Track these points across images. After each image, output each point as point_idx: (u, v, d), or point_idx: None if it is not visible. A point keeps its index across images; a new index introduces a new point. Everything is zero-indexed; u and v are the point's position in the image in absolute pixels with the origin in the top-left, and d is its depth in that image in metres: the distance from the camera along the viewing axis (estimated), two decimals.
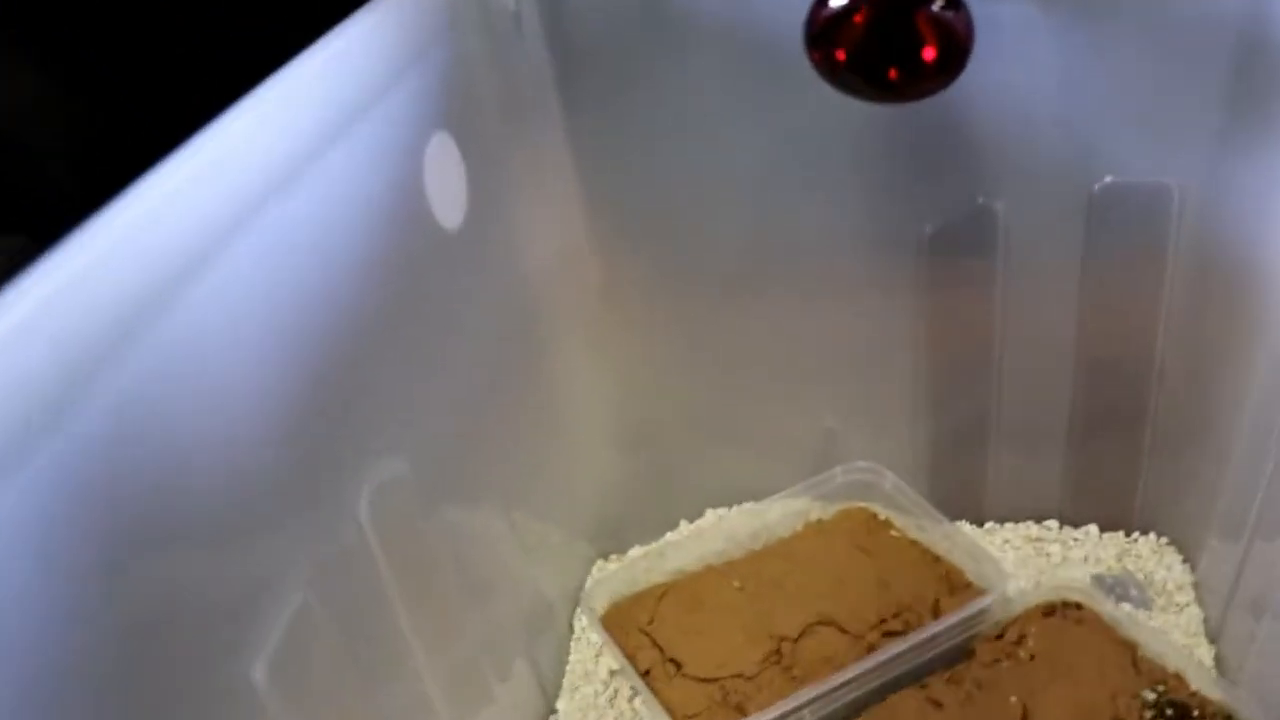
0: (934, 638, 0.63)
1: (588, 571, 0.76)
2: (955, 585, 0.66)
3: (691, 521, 0.78)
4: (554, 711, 0.67)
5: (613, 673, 0.68)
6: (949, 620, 0.63)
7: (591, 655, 0.70)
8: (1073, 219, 0.64)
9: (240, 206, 0.39)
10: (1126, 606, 0.68)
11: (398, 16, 0.52)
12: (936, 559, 0.68)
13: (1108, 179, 0.62)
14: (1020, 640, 0.64)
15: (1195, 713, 0.59)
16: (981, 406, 0.72)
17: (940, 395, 0.72)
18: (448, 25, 0.57)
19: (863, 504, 0.73)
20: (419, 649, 0.52)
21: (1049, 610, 0.66)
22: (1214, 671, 0.65)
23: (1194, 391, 0.67)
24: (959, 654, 0.64)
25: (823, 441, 0.74)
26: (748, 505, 0.73)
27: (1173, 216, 0.63)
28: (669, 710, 0.61)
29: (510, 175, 0.63)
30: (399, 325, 0.51)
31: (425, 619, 0.52)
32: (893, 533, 0.71)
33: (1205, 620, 0.68)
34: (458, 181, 0.58)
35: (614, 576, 0.70)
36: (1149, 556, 0.72)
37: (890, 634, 0.64)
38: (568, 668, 0.70)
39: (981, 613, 0.64)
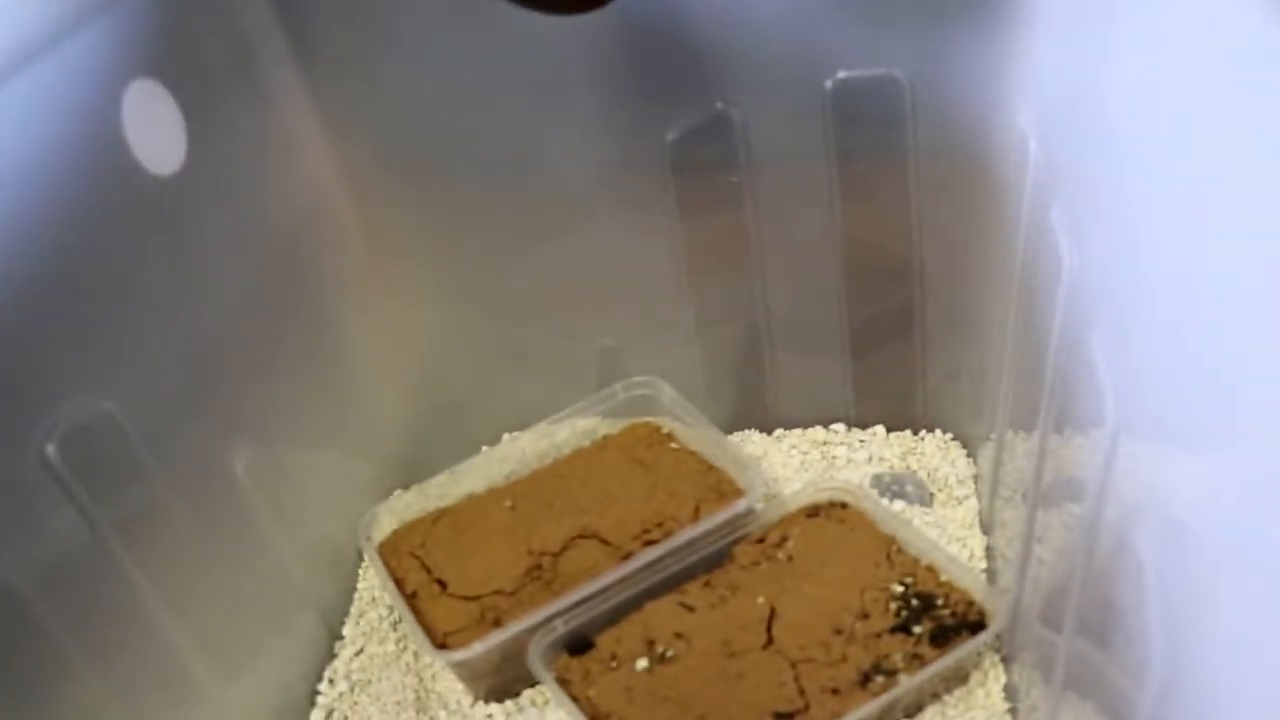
0: (690, 543, 0.64)
1: (383, 502, 0.76)
2: (724, 493, 0.67)
3: (491, 445, 0.79)
4: (340, 637, 0.68)
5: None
6: (704, 525, 0.64)
7: (378, 583, 0.71)
8: (811, 120, 0.64)
9: None
10: (900, 504, 0.69)
11: None
12: (710, 468, 0.69)
13: (839, 74, 0.62)
14: (781, 542, 0.65)
15: (940, 601, 0.60)
16: (753, 318, 0.72)
17: (713, 309, 0.72)
18: None
19: (648, 418, 0.73)
20: (159, 608, 0.51)
21: (813, 511, 0.66)
22: (983, 562, 0.66)
23: (954, 286, 0.68)
24: (720, 559, 0.65)
25: (605, 361, 0.75)
26: (539, 427, 0.73)
27: (906, 109, 0.63)
28: (428, 629, 0.62)
29: (240, 122, 0.62)
30: (102, 269, 0.51)
31: (165, 573, 0.52)
32: (673, 445, 0.71)
33: (980, 512, 0.68)
34: (171, 128, 0.57)
35: (400, 503, 0.71)
36: (934, 453, 0.73)
37: (650, 543, 0.64)
38: (355, 595, 0.71)
39: (743, 516, 0.65)
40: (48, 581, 0.45)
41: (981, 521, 0.68)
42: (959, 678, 0.59)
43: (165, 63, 0.56)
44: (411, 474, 0.77)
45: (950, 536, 0.67)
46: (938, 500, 0.70)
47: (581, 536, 0.65)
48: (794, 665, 0.58)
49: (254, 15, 0.62)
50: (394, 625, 0.68)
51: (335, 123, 0.67)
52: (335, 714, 0.64)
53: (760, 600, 0.61)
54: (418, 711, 0.63)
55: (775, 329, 0.72)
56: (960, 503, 0.69)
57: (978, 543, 0.67)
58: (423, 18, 0.62)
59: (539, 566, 0.64)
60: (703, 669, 0.58)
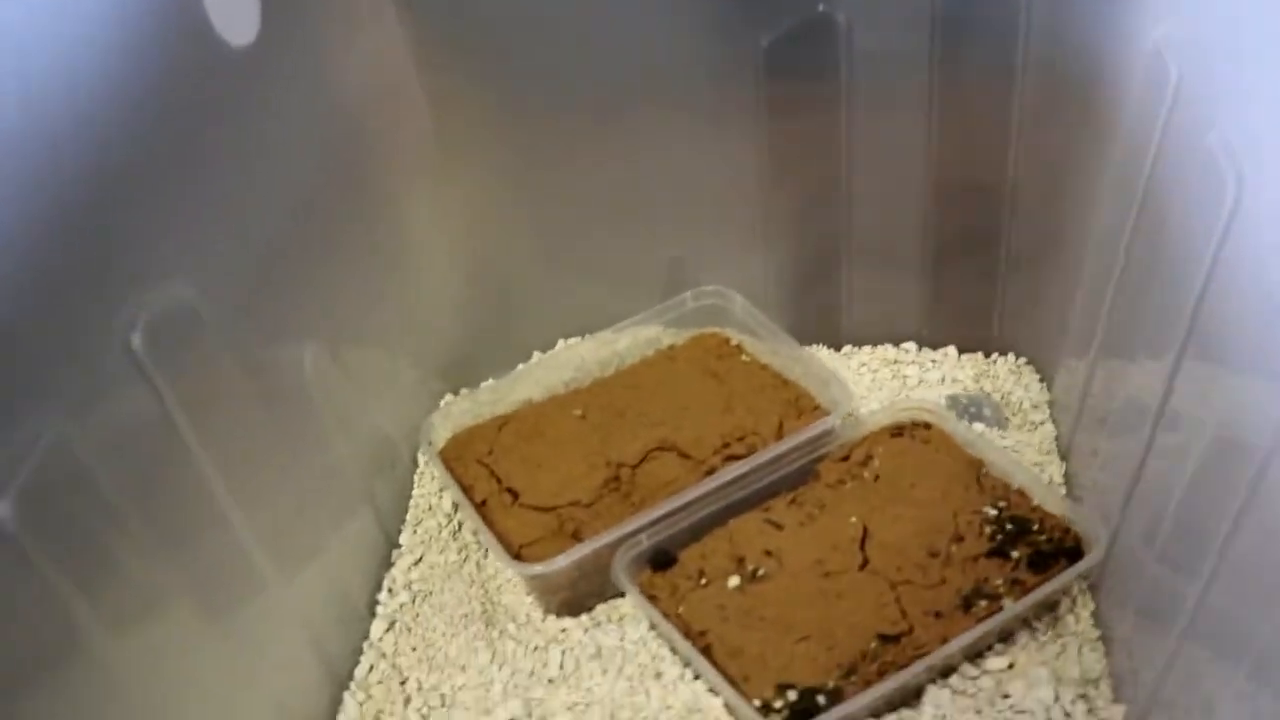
0: (776, 459, 0.61)
1: (438, 404, 0.73)
2: (803, 409, 0.65)
3: (544, 352, 0.76)
4: (397, 545, 0.65)
5: (456, 506, 0.67)
6: (791, 441, 0.62)
7: (435, 490, 0.68)
8: (919, 25, 0.61)
9: None
10: (979, 426, 0.67)
11: None
12: (786, 383, 0.67)
13: None
14: (866, 461, 0.63)
15: (1035, 526, 0.58)
16: (832, 231, 0.70)
17: (790, 220, 0.69)
18: None
19: (715, 329, 0.70)
20: (228, 500, 0.49)
21: (897, 431, 0.64)
22: (1062, 488, 0.64)
23: (1046, 208, 0.65)
24: (804, 477, 0.63)
25: (674, 270, 0.72)
26: (600, 334, 0.71)
27: (1020, 20, 0.60)
28: (504, 540, 0.59)
29: None
30: (180, 148, 0.47)
31: (235, 468, 0.49)
32: (744, 358, 0.69)
33: (1057, 438, 0.67)
34: None
35: (456, 408, 0.68)
36: (1006, 377, 0.71)
37: (732, 458, 0.62)
38: (411, 503, 0.68)
39: (827, 434, 0.63)
40: (128, 469, 0.42)
41: (1059, 447, 0.66)
42: (1047, 605, 0.58)
43: None
44: (462, 378, 0.74)
45: (1027, 462, 0.66)
46: (1012, 424, 0.68)
47: (660, 449, 0.63)
48: (893, 587, 0.56)
49: None
50: (454, 534, 0.65)
51: (415, 9, 0.62)
52: (398, 625, 0.61)
53: (852, 520, 0.59)
54: (486, 624, 0.60)
55: (854, 243, 0.70)
56: (1036, 427, 0.68)
57: (1055, 468, 0.65)
58: None
59: (616, 479, 0.62)
60: (798, 588, 0.56)
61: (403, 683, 0.58)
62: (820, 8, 0.61)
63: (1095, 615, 0.58)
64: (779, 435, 0.63)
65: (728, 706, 0.54)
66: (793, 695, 0.52)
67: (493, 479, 0.63)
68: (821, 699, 0.52)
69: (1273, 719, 0.41)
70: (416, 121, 0.66)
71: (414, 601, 0.62)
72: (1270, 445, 0.41)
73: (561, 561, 0.57)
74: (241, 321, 0.52)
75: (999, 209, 0.67)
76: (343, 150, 0.61)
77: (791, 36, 0.62)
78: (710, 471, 0.61)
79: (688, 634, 0.55)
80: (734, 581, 0.57)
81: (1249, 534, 0.42)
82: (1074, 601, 0.59)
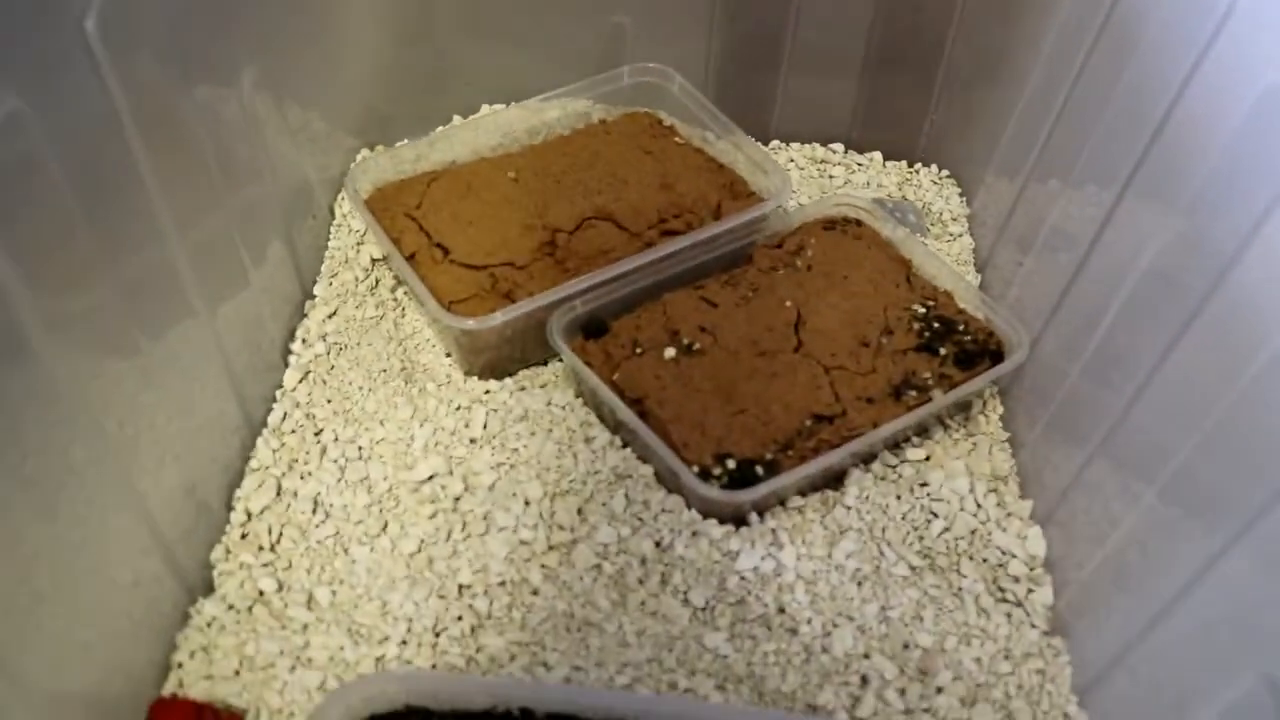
0: (713, 239, 0.61)
1: (352, 160, 0.70)
2: (738, 193, 0.64)
3: (465, 115, 0.73)
4: (311, 297, 0.62)
5: (375, 260, 0.64)
6: (729, 222, 0.61)
7: (353, 243, 0.65)
8: None
9: None
10: (902, 231, 0.68)
11: None
12: (721, 167, 0.65)
13: None
14: (799, 250, 0.63)
15: (960, 327, 0.60)
16: (778, 23, 0.68)
17: (740, 5, 0.67)
18: None
19: (649, 109, 0.68)
20: (165, 213, 0.46)
21: (829, 224, 0.64)
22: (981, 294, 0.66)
23: (993, 28, 0.65)
24: (737, 260, 0.62)
25: (611, 41, 0.69)
26: (527, 102, 0.68)
27: None
28: (434, 295, 0.57)
29: None
30: None
31: (173, 181, 0.46)
32: (677, 139, 0.67)
33: (975, 250, 0.68)
34: None
35: (380, 161, 0.64)
36: (929, 187, 0.72)
37: (670, 233, 0.61)
38: (326, 254, 0.65)
39: (762, 219, 0.63)
40: (75, 160, 0.39)
41: (976, 259, 0.68)
42: (961, 404, 0.60)
43: None
44: (378, 133, 0.71)
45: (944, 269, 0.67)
46: (931, 233, 0.69)
47: (596, 217, 0.61)
48: (827, 371, 0.56)
49: None
50: (371, 289, 0.63)
51: None
52: (312, 376, 0.59)
53: (787, 304, 0.59)
54: (405, 381, 0.59)
55: (797, 38, 0.68)
56: (955, 239, 0.69)
57: (971, 278, 0.67)
58: None
59: (552, 243, 0.60)
60: (734, 364, 0.56)
61: (318, 433, 0.56)
62: None
63: (1003, 418, 0.60)
64: (716, 215, 0.62)
65: (657, 474, 0.54)
66: (731, 464, 0.52)
67: (421, 233, 0.60)
68: (759, 469, 0.52)
69: (1175, 532, 0.43)
70: None
71: (329, 354, 0.60)
72: (1206, 287, 0.42)
73: (498, 318, 0.55)
74: (187, 26, 0.48)
75: (946, 24, 0.67)
76: None
77: None
78: (647, 244, 0.60)
79: (624, 399, 0.55)
80: (670, 353, 0.57)
81: (1177, 366, 0.44)
82: (984, 403, 0.61)
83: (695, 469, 0.52)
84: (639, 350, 0.57)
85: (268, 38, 0.57)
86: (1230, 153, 0.42)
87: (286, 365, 0.59)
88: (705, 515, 0.53)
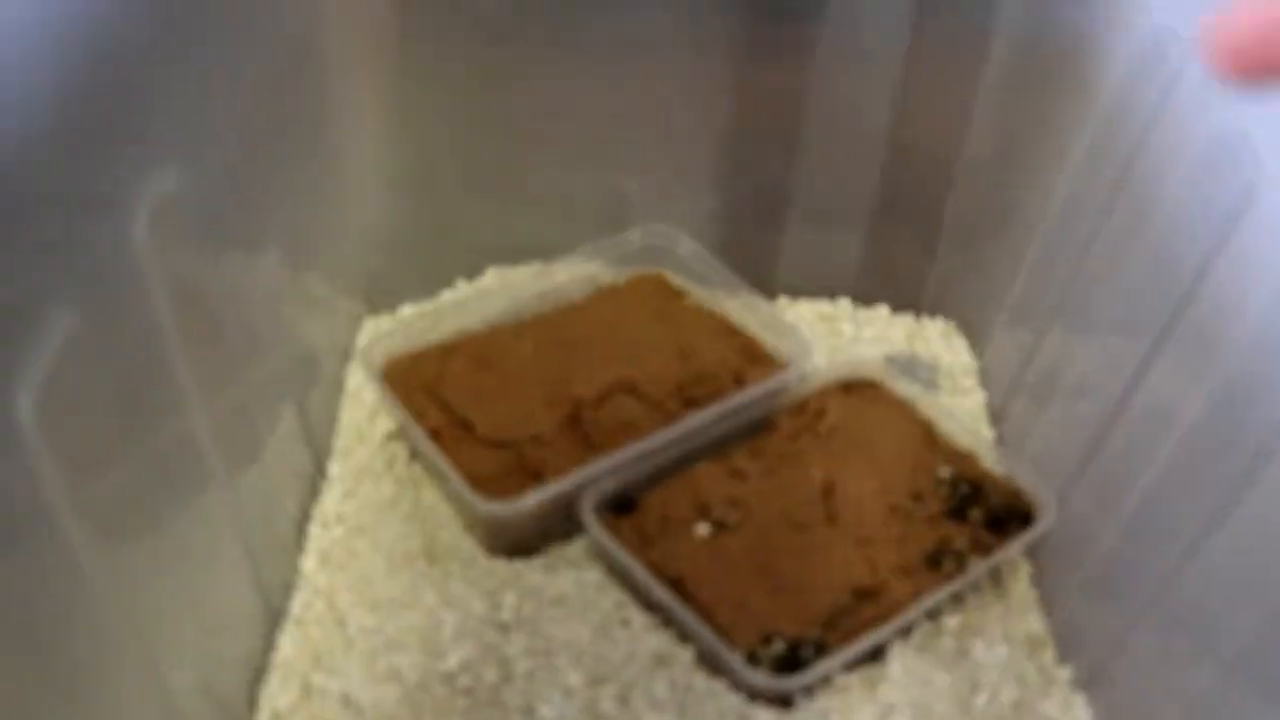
0: (737, 408, 0.60)
1: (357, 327, 0.69)
2: (756, 357, 0.64)
3: (470, 280, 0.72)
4: (324, 474, 0.61)
5: (390, 435, 0.63)
6: (753, 391, 0.61)
7: (365, 416, 0.64)
8: None
9: None
10: (918, 389, 0.68)
11: None
12: (734, 330, 0.65)
13: None
14: (820, 414, 0.62)
15: (986, 489, 0.59)
16: (783, 178, 0.69)
17: (743, 163, 0.68)
18: None
19: (657, 270, 0.69)
20: (192, 389, 0.45)
21: (846, 387, 0.64)
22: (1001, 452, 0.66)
23: (998, 180, 0.66)
24: (759, 427, 0.62)
25: (616, 203, 0.69)
26: (534, 266, 0.67)
27: None
28: (459, 473, 0.56)
29: None
30: (183, 21, 0.43)
31: (200, 356, 0.45)
32: (688, 301, 0.67)
33: (988, 404, 0.68)
34: None
35: (392, 331, 0.63)
36: (936, 340, 0.72)
37: (692, 402, 0.61)
38: (338, 428, 0.63)
39: (784, 385, 0.62)
40: (116, 359, 0.39)
41: (990, 414, 0.68)
42: (992, 569, 0.59)
43: None
44: (382, 296, 0.70)
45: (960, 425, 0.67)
46: (942, 388, 0.69)
47: (618, 388, 0.61)
48: (861, 542, 0.56)
49: None
50: (389, 465, 0.61)
51: None
52: (333, 561, 0.57)
53: (815, 473, 0.59)
54: (429, 563, 0.57)
55: (801, 194, 0.69)
56: (966, 393, 0.69)
57: (987, 433, 0.67)
58: None
59: (576, 417, 0.59)
60: (769, 540, 0.56)
61: (341, 623, 0.55)
62: None
63: (1032, 577, 0.60)
64: (738, 383, 0.62)
65: (700, 655, 0.53)
66: (779, 646, 0.51)
67: (443, 409, 0.59)
68: (807, 650, 0.51)
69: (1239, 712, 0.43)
70: (380, 21, 0.61)
71: (348, 536, 0.58)
72: (1260, 447, 0.42)
73: (530, 502, 0.54)
74: (222, 213, 0.47)
75: (948, 176, 0.68)
76: (310, 37, 0.57)
77: None
78: (670, 415, 0.60)
79: (661, 580, 0.53)
80: (703, 529, 0.56)
81: (1232, 532, 0.44)
82: (1014, 565, 0.60)
83: (742, 652, 0.51)
84: (671, 527, 0.56)
85: (291, 212, 0.56)
86: (1265, 328, 0.42)
87: (304, 549, 0.57)
88: (753, 698, 0.51)
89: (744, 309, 0.66)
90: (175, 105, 0.43)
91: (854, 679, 0.53)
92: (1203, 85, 0.49)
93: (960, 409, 0.68)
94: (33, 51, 0.34)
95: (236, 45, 0.49)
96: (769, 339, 0.65)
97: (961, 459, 0.61)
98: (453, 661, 0.53)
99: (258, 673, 0.52)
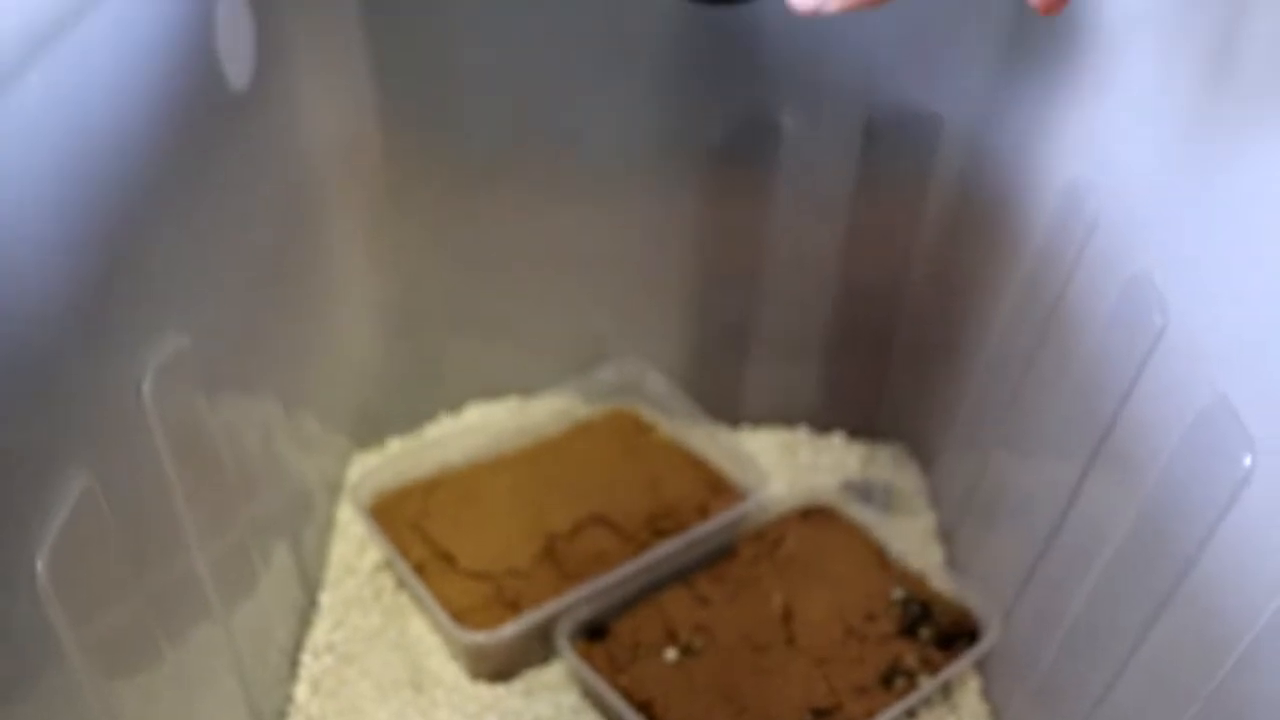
0: (702, 538, 0.65)
1: (346, 462, 0.73)
2: (718, 487, 0.68)
3: (451, 412, 0.77)
4: (315, 604, 0.65)
5: (378, 566, 0.67)
6: (717, 521, 0.65)
7: (355, 549, 0.68)
8: (851, 139, 0.66)
9: (31, 37, 0.35)
10: (869, 511, 0.72)
11: None
12: (699, 461, 0.70)
13: (885, 103, 0.65)
14: (779, 542, 0.67)
15: (936, 609, 0.64)
16: (745, 313, 0.74)
17: (707, 299, 0.73)
18: None
19: (628, 404, 0.73)
20: (193, 532, 0.48)
21: (804, 514, 0.69)
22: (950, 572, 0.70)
23: (941, 313, 0.72)
24: (722, 553, 0.66)
25: (589, 339, 0.74)
26: (512, 401, 0.72)
27: (942, 144, 0.66)
28: (441, 605, 0.60)
29: (299, 39, 0.59)
30: (186, 188, 0.47)
31: (201, 502, 0.49)
32: (656, 435, 0.72)
33: (939, 524, 0.73)
34: (247, 38, 0.54)
35: (380, 468, 0.68)
36: (889, 464, 0.77)
37: (660, 533, 0.65)
38: (329, 561, 0.67)
39: (745, 514, 0.67)
40: (124, 499, 0.42)
41: (939, 533, 0.72)
42: (942, 684, 0.63)
43: None
44: (368, 432, 0.74)
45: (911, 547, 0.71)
46: (895, 510, 0.74)
47: (592, 521, 0.65)
48: (819, 663, 0.60)
49: None
50: (376, 596, 0.65)
51: (383, 60, 0.63)
52: (323, 689, 0.61)
53: (775, 597, 0.63)
54: (415, 691, 0.61)
55: (762, 329, 0.74)
56: (917, 514, 0.74)
57: (936, 552, 0.71)
58: None
59: (552, 549, 0.64)
60: (732, 663, 0.60)
61: None
62: (769, 111, 0.65)
63: (982, 690, 0.64)
64: (703, 514, 0.66)
65: None
66: None
67: (426, 543, 0.63)
68: None
69: None
70: (369, 171, 0.66)
71: (338, 665, 0.62)
72: (1185, 560, 0.47)
73: (508, 631, 0.58)
74: (221, 367, 0.51)
75: (896, 308, 0.73)
76: (303, 191, 0.61)
77: (739, 132, 0.66)
78: (640, 546, 0.64)
79: (633, 704, 0.57)
80: (670, 654, 0.60)
81: (1157, 645, 0.48)
82: (964, 680, 0.64)
83: None
84: (641, 652, 0.60)
85: (286, 355, 0.60)
86: (1179, 453, 0.47)
87: (296, 678, 0.61)
88: None
89: (708, 440, 0.71)
90: (180, 273, 0.46)
91: None
92: (1116, 233, 0.55)
93: (912, 530, 0.72)
94: (49, 238, 0.37)
95: (237, 209, 0.53)
96: (731, 469, 0.69)
97: (912, 580, 0.65)
98: None
99: None
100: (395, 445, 0.75)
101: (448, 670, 0.62)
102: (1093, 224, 0.57)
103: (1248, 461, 0.42)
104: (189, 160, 0.47)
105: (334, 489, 0.71)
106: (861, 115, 0.65)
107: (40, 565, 0.36)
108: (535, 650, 0.62)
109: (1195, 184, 0.48)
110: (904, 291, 0.72)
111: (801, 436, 0.78)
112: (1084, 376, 0.56)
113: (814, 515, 0.69)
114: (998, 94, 0.64)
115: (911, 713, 0.61)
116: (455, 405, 0.77)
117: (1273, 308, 0.41)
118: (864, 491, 0.74)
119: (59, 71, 0.37)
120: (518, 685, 0.61)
